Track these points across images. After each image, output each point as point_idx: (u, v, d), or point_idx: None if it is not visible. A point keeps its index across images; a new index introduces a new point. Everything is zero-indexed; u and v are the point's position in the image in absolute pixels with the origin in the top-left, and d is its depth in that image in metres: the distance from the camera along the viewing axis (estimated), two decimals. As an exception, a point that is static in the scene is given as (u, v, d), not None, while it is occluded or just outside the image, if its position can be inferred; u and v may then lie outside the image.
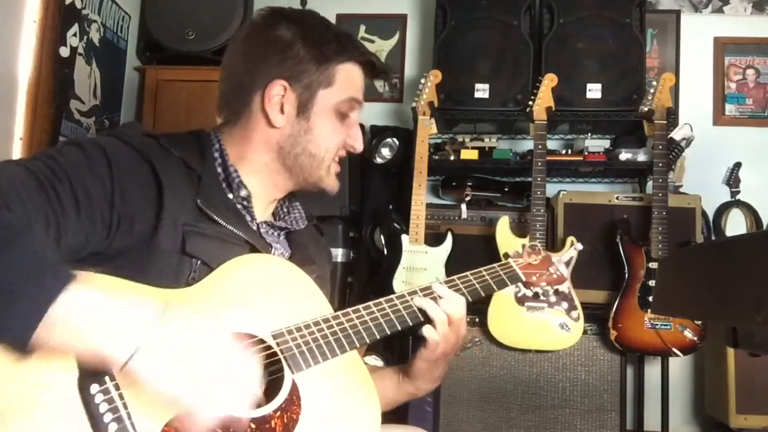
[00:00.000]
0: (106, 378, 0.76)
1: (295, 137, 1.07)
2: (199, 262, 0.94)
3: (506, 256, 1.27)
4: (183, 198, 0.96)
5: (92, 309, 0.73)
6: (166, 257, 0.92)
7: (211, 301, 0.91)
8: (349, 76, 1.09)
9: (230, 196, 1.05)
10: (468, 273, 1.14)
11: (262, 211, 1.11)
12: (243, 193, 1.06)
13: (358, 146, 1.13)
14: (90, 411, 0.74)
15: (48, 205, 0.81)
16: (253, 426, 0.84)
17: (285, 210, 1.18)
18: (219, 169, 1.06)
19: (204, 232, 0.96)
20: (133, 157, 0.94)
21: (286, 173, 1.10)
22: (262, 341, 0.92)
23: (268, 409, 0.86)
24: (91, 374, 0.75)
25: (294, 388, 0.90)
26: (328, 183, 1.12)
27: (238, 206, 1.06)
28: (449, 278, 1.13)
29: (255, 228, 1.08)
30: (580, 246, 1.37)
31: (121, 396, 0.76)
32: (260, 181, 1.09)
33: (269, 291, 0.97)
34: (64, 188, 0.84)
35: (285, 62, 1.05)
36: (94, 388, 0.75)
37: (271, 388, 0.90)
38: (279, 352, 0.91)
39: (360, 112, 1.14)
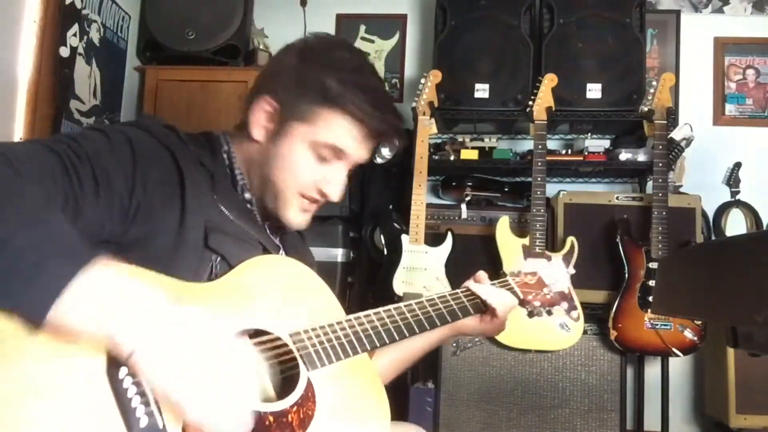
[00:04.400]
0: None
1: (265, 159, 1.07)
2: (219, 258, 0.95)
3: (503, 274, 1.33)
4: (202, 192, 0.97)
5: (107, 293, 0.72)
6: (189, 250, 0.93)
7: (229, 297, 0.92)
8: (335, 125, 1.04)
9: (239, 196, 1.08)
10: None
11: (260, 213, 1.13)
12: (247, 196, 1.08)
13: (332, 195, 1.07)
14: (118, 394, 0.73)
15: (68, 186, 0.81)
16: (271, 419, 0.85)
17: None
18: (227, 171, 1.08)
19: (224, 228, 0.98)
20: (156, 147, 0.95)
21: (258, 190, 1.09)
22: (278, 339, 0.93)
23: (285, 403, 0.87)
24: (120, 360, 0.74)
25: (309, 385, 0.92)
26: (286, 217, 1.08)
27: (247, 206, 1.08)
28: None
29: (262, 227, 1.11)
30: (572, 270, 1.42)
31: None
32: (254, 189, 1.10)
33: (287, 292, 0.99)
34: (85, 170, 0.84)
35: (278, 81, 1.06)
36: (123, 371, 0.74)
37: (287, 386, 0.92)
38: (295, 350, 0.92)
39: (347, 164, 1.08)
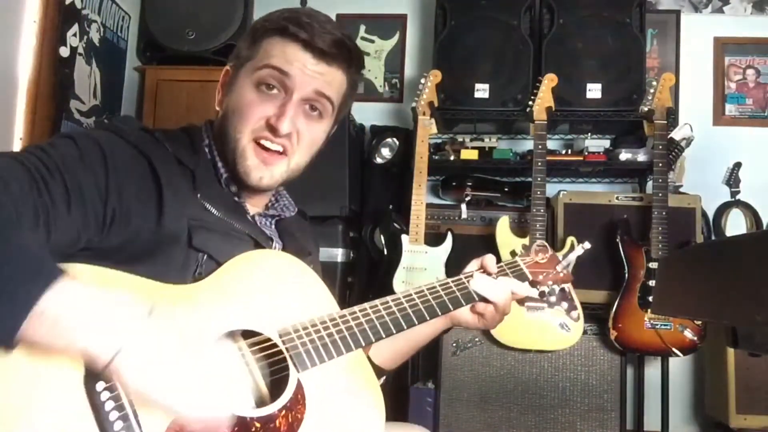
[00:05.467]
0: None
1: (221, 118, 1.06)
2: (205, 256, 0.93)
3: (513, 254, 1.27)
4: (183, 192, 0.95)
5: (78, 306, 0.72)
6: (173, 251, 0.91)
7: (215, 298, 0.90)
8: (268, 48, 1.02)
9: (224, 190, 1.05)
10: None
11: (253, 203, 1.10)
12: (233, 188, 1.06)
13: (279, 125, 0.99)
14: (96, 409, 0.73)
15: (39, 200, 0.80)
16: (258, 425, 0.83)
17: (274, 198, 1.16)
18: (210, 165, 1.05)
19: (208, 226, 0.96)
20: (130, 152, 0.93)
21: (224, 156, 1.06)
22: (268, 339, 0.91)
23: (273, 408, 0.85)
24: (97, 371, 0.74)
25: (299, 387, 0.89)
26: (245, 168, 1.02)
27: (235, 199, 1.05)
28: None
29: (252, 221, 1.07)
30: (588, 245, 1.34)
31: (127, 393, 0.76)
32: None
33: (276, 288, 0.96)
34: (55, 182, 0.82)
35: (235, 50, 1.09)
36: (100, 385, 0.74)
37: (277, 387, 0.90)
38: (284, 351, 0.90)
39: (296, 94, 1.01)
